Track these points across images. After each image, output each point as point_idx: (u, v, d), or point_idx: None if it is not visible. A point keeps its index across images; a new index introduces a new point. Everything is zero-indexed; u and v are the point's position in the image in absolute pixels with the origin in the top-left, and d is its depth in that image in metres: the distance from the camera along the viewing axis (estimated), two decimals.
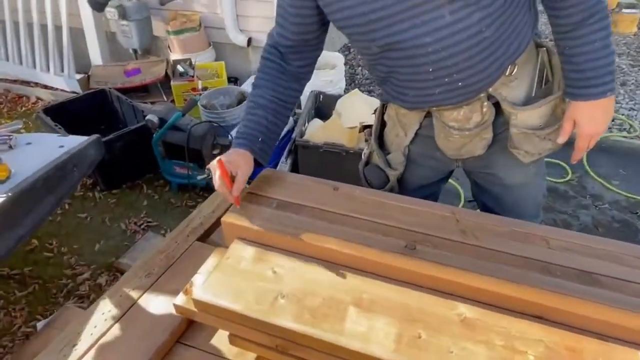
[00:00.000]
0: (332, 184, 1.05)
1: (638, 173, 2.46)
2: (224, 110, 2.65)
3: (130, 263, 1.96)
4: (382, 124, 1.19)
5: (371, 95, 3.42)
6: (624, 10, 4.03)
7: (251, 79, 3.13)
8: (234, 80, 3.39)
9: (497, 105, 0.97)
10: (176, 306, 0.85)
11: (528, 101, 0.97)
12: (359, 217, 0.93)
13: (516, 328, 0.74)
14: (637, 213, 2.24)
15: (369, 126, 2.51)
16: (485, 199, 1.19)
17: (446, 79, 0.91)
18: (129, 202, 2.46)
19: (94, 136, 1.38)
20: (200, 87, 2.88)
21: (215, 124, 2.42)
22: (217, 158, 0.95)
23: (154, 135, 2.32)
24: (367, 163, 1.22)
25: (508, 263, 0.83)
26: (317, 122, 2.55)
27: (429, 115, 1.03)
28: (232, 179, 0.94)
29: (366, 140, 1.23)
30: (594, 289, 0.77)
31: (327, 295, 0.80)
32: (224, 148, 2.39)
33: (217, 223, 1.23)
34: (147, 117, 2.25)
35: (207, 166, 2.46)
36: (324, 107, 2.75)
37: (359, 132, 2.42)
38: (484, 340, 0.72)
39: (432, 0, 0.82)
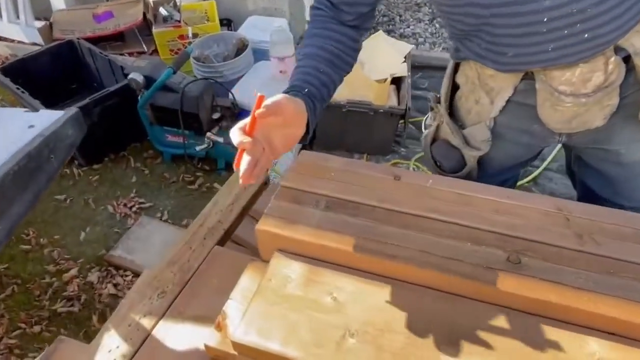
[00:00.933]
0: (391, 170, 0.92)
1: None
2: (221, 62, 2.46)
3: (125, 256, 1.87)
4: (453, 87, 1.03)
5: (399, 38, 3.22)
6: None
7: (250, 22, 2.92)
8: (226, 23, 3.16)
9: (625, 61, 0.81)
10: (208, 347, 0.74)
11: None
12: (436, 218, 0.81)
13: None
14: None
15: (401, 78, 2.37)
16: (590, 180, 1.04)
17: (566, 31, 0.75)
18: (115, 179, 2.34)
19: (72, 110, 1.22)
20: (190, 34, 2.67)
21: (213, 81, 2.25)
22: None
23: (140, 97, 2.16)
24: (434, 139, 1.07)
25: None
26: None
27: (527, 76, 0.87)
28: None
29: (432, 109, 1.08)
30: None
31: (410, 331, 0.69)
32: (226, 110, 2.23)
33: (239, 218, 1.11)
34: (130, 76, 2.07)
35: (208, 134, 2.25)
36: None
37: (389, 85, 2.26)
38: None
39: None
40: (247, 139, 0.67)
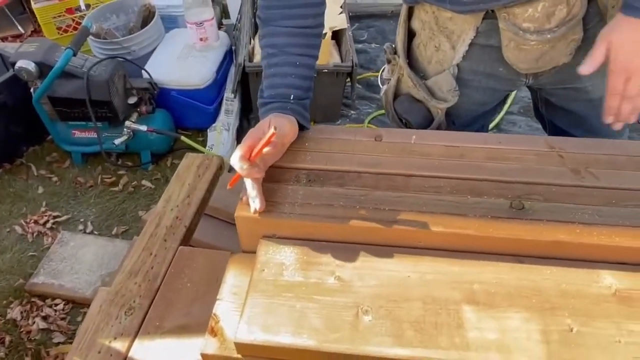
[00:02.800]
0: (371, 131, 0.97)
1: None
2: (126, 36, 2.38)
3: (50, 282, 1.81)
4: (409, 34, 1.09)
5: None
6: None
7: None
8: None
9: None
10: (206, 356, 0.76)
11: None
12: (429, 174, 0.87)
13: None
14: None
15: (341, 30, 2.41)
16: (560, 121, 1.15)
17: None
18: (16, 193, 2.23)
19: None
20: (82, 5, 2.55)
21: (122, 59, 2.18)
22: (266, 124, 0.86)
23: (33, 90, 2.05)
24: (395, 95, 1.12)
25: None
26: None
27: (488, 15, 0.94)
28: None
29: (388, 61, 1.13)
30: None
31: (425, 297, 0.74)
32: (143, 92, 2.18)
33: (199, 211, 1.12)
34: (17, 65, 1.96)
35: (126, 124, 2.22)
36: None
37: (330, 40, 2.29)
38: None
39: None
40: (251, 168, 0.78)
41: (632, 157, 0.89)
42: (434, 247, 0.80)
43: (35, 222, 2.10)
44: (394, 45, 1.13)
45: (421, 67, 1.09)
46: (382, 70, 1.20)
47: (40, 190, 2.24)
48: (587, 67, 0.89)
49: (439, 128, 1.10)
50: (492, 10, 0.93)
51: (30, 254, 1.99)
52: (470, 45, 0.99)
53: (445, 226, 0.79)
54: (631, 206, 0.81)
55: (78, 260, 1.90)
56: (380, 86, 1.19)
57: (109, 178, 2.26)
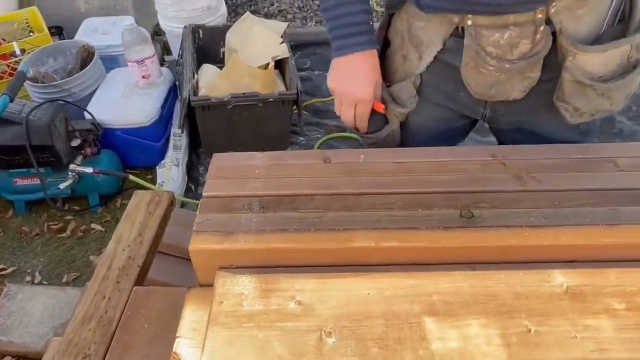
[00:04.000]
0: (320, 154, 0.98)
1: None
2: (65, 79, 2.33)
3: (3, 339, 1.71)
4: (385, 43, 1.12)
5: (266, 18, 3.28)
6: None
7: (87, 26, 2.79)
8: (56, 32, 2.98)
9: (553, 37, 0.93)
10: None
11: (593, 41, 0.95)
12: (380, 192, 0.89)
13: (629, 281, 0.76)
14: None
15: (284, 60, 2.43)
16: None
17: None
18: None
19: None
20: (17, 50, 2.48)
21: (62, 102, 2.12)
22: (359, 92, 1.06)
23: None
24: None
25: (588, 203, 0.85)
26: (209, 69, 2.38)
27: (457, 33, 0.97)
28: None
29: None
30: None
31: (386, 313, 0.74)
32: (86, 133, 2.13)
33: (152, 250, 1.09)
34: None
35: (71, 167, 2.16)
36: (208, 47, 2.58)
37: (273, 70, 2.32)
38: (603, 309, 0.73)
39: None
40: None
41: (570, 159, 0.94)
42: (391, 263, 0.81)
43: None
44: None
45: (387, 76, 1.12)
46: None
47: None
48: None
49: (392, 137, 1.12)
50: (462, 28, 0.96)
51: None
52: (436, 60, 1.02)
53: (398, 241, 0.80)
54: (573, 206, 0.84)
55: (27, 313, 1.80)
56: None
57: (56, 225, 2.18)
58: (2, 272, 2.01)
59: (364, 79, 1.05)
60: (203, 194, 0.89)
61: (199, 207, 0.88)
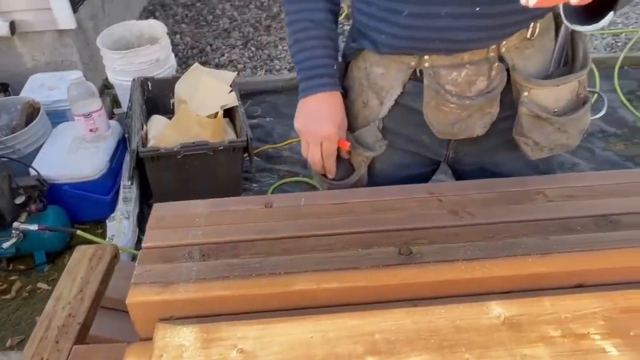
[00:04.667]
0: (261, 199, 0.98)
1: None
2: (9, 136, 2.28)
3: None
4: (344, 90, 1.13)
5: (217, 69, 3.32)
6: None
7: (33, 82, 2.76)
8: (1, 88, 2.94)
9: (507, 74, 0.98)
10: None
11: (546, 76, 1.00)
12: (322, 233, 0.89)
13: (563, 308, 0.77)
14: None
15: (234, 108, 2.46)
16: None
17: None
18: None
19: None
20: None
21: (5, 159, 2.07)
22: (324, 131, 1.06)
23: None
24: None
25: (521, 234, 0.87)
26: (159, 120, 2.38)
27: (415, 77, 1.00)
28: None
29: None
30: (619, 233, 0.86)
31: (329, 356, 0.73)
32: (31, 190, 2.07)
33: (94, 305, 1.05)
34: None
35: (15, 225, 2.09)
36: (158, 98, 2.59)
37: (223, 118, 2.33)
38: (539, 337, 0.74)
39: None
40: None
41: (502, 193, 0.97)
42: (333, 304, 0.80)
43: None
44: None
45: (348, 124, 1.12)
46: None
47: None
48: None
49: (360, 182, 1.13)
50: (420, 72, 0.99)
51: None
52: (396, 104, 1.04)
53: (339, 282, 0.80)
54: (507, 238, 0.87)
55: None
56: None
57: (0, 286, 2.08)
58: None
59: (328, 117, 1.05)
60: (142, 245, 0.88)
61: (137, 258, 0.86)
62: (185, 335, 0.77)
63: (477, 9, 0.90)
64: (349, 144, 1.08)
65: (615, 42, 3.59)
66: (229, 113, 2.44)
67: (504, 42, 0.96)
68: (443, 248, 0.85)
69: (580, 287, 0.82)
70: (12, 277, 2.11)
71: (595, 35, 3.68)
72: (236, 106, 2.38)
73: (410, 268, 0.82)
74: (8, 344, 1.87)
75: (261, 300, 0.80)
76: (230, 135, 2.32)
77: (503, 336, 0.74)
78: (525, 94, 0.98)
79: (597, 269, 0.82)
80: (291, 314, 0.79)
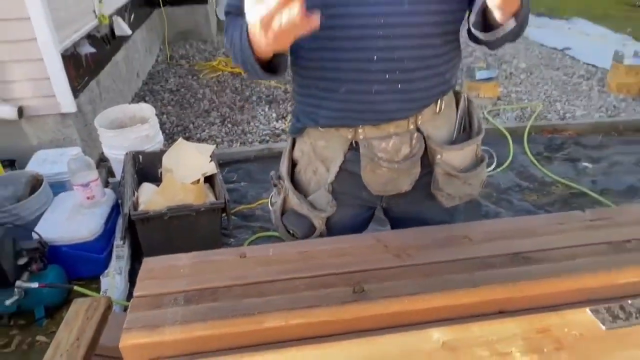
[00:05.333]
0: (236, 251, 0.98)
1: None
2: (14, 204, 2.21)
3: None
4: (293, 163, 1.15)
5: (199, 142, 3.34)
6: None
7: (37, 158, 2.71)
8: (8, 163, 2.87)
9: (424, 142, 1.03)
10: None
11: (453, 142, 1.06)
12: (289, 277, 0.89)
13: (490, 331, 0.79)
14: None
15: (213, 175, 2.47)
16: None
17: (387, 75, 0.93)
18: None
19: None
20: None
21: (10, 225, 2.00)
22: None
23: None
24: (283, 212, 1.15)
25: (451, 271, 0.90)
26: (148, 187, 2.36)
27: (353, 148, 1.04)
28: None
29: (275, 185, 1.16)
30: (531, 268, 0.90)
31: None
32: (33, 252, 1.99)
33: (89, 352, 1.01)
34: None
35: (17, 283, 1.99)
36: (148, 169, 2.57)
37: (204, 184, 2.33)
38: (471, 357, 0.75)
39: None
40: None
41: (434, 238, 1.00)
42: (299, 337, 0.80)
43: None
44: (278, 173, 1.16)
45: (302, 189, 1.13)
46: (271, 195, 1.22)
47: None
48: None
49: (321, 236, 1.13)
50: (356, 142, 1.02)
51: None
52: (340, 170, 1.06)
53: (304, 318, 0.80)
54: (440, 275, 0.89)
55: None
56: (270, 207, 1.20)
57: (1, 340, 1.95)
58: None
59: None
60: (134, 295, 0.87)
61: (129, 307, 0.84)
62: None
63: (399, 86, 0.95)
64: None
65: (523, 114, 3.81)
66: (209, 179, 2.44)
67: (420, 117, 1.01)
68: (389, 285, 0.86)
69: (501, 313, 0.83)
70: (13, 332, 1.98)
71: (506, 109, 3.90)
72: (215, 173, 2.39)
73: (363, 304, 0.82)
74: None
75: (237, 338, 0.79)
76: (210, 198, 2.32)
77: (442, 358, 0.75)
78: (439, 156, 1.03)
79: (514, 297, 0.84)
80: (263, 348, 0.78)
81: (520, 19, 0.86)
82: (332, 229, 1.13)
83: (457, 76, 1.09)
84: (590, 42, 5.30)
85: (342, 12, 0.90)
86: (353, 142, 1.03)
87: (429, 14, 0.91)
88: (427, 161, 1.06)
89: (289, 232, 1.13)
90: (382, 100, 0.96)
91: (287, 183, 1.13)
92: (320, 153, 1.08)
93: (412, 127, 1.01)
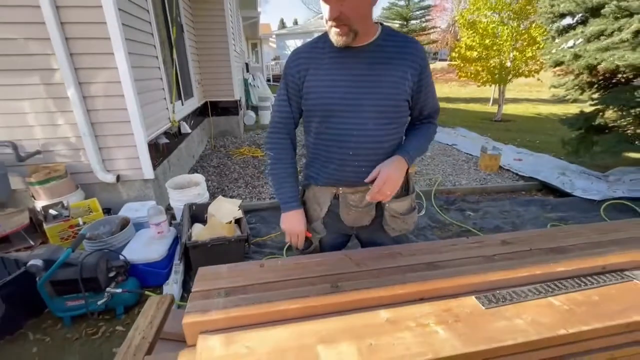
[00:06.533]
0: (256, 263, 0.98)
1: None
2: (110, 237, 2.15)
3: None
4: (303, 203, 1.13)
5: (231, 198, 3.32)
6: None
7: (127, 207, 2.66)
8: (106, 211, 2.80)
9: None
10: None
11: (396, 197, 1.04)
12: (291, 278, 0.90)
13: (415, 311, 0.81)
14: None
15: (240, 218, 2.44)
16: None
17: (356, 163, 0.96)
18: (11, 358, 1.65)
19: None
20: (81, 222, 2.28)
21: (107, 250, 1.93)
22: (296, 229, 1.05)
23: (39, 279, 1.69)
24: None
25: (391, 274, 0.91)
26: (198, 226, 2.32)
27: (335, 197, 1.05)
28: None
29: None
30: (439, 271, 0.92)
31: (297, 346, 0.72)
32: (119, 268, 1.91)
33: (158, 332, 0.97)
34: (29, 264, 1.63)
35: (107, 290, 1.90)
36: (198, 214, 2.54)
37: (234, 224, 2.32)
38: (405, 327, 0.76)
39: (364, 112, 0.92)
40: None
41: (381, 254, 1.01)
42: (299, 317, 0.79)
43: None
44: None
45: (309, 220, 1.11)
46: None
47: (34, 349, 1.69)
48: (368, 178, 0.95)
49: (315, 249, 1.12)
50: (337, 195, 1.04)
51: None
52: (328, 210, 1.07)
53: (301, 303, 0.80)
54: (384, 276, 0.90)
55: None
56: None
57: (92, 330, 1.81)
58: None
59: (298, 223, 1.05)
60: (192, 290, 0.86)
61: (189, 297, 0.83)
62: (216, 341, 0.74)
63: (363, 169, 0.97)
64: (310, 235, 1.09)
65: (430, 182, 3.94)
66: (237, 221, 2.43)
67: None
68: (355, 283, 0.87)
69: (422, 299, 0.85)
70: (100, 324, 1.84)
71: (419, 180, 4.03)
72: (241, 217, 2.38)
73: (338, 295, 0.83)
74: None
75: (259, 317, 0.78)
76: (238, 233, 2.29)
77: (387, 327, 0.76)
78: (387, 205, 1.04)
79: (429, 289, 0.86)
80: (275, 324, 0.78)
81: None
82: (324, 246, 1.13)
83: None
84: (467, 140, 5.62)
85: (332, 127, 0.96)
86: (336, 194, 1.05)
87: (383, 129, 0.95)
88: (380, 207, 1.06)
89: (296, 247, 1.12)
90: (352, 176, 0.99)
91: None
92: (317, 199, 1.08)
93: (371, 186, 1.01)
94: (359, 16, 0.88)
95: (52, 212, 2.33)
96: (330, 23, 0.89)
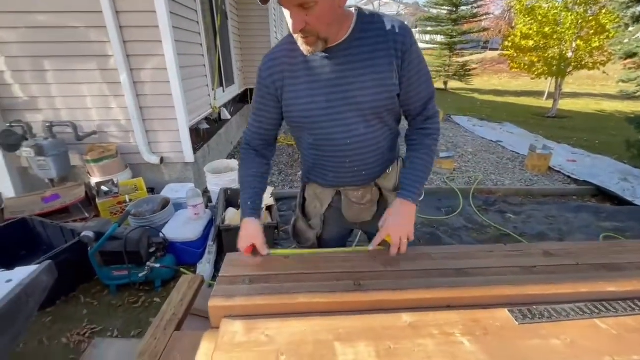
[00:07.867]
0: (282, 255, 0.99)
1: (429, 203, 2.96)
2: (152, 215, 2.31)
3: None
4: (304, 200, 1.16)
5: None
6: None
7: (168, 188, 2.84)
8: (150, 190, 3.01)
9: (380, 191, 1.04)
10: None
11: (395, 189, 1.03)
12: (315, 272, 0.90)
13: (440, 318, 0.77)
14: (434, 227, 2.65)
15: (271, 206, 2.50)
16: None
17: (355, 169, 0.96)
18: (67, 316, 1.86)
19: (46, 263, 1.05)
20: (128, 200, 2.47)
21: (148, 227, 2.08)
22: (244, 239, 0.95)
23: (90, 249, 1.86)
24: (294, 227, 1.18)
25: (417, 277, 0.88)
26: (231, 210, 2.41)
27: (337, 194, 1.05)
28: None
29: (293, 211, 1.20)
30: (470, 279, 0.87)
31: (315, 340, 0.72)
32: (159, 245, 2.06)
33: (188, 309, 1.03)
34: (82, 234, 1.81)
35: (148, 264, 2.01)
36: (232, 199, 2.63)
37: (266, 211, 2.38)
38: (428, 334, 0.74)
39: (351, 118, 0.89)
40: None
41: (407, 256, 0.96)
42: (319, 311, 0.80)
43: (78, 333, 1.73)
44: (295, 204, 1.19)
45: (308, 214, 1.14)
46: (292, 219, 1.23)
47: (85, 312, 1.88)
48: (371, 246, 0.95)
49: (313, 244, 1.13)
50: (339, 191, 1.04)
51: (71, 357, 1.61)
52: (329, 206, 1.08)
53: (324, 298, 0.80)
54: (409, 279, 0.87)
55: (106, 357, 1.56)
56: (291, 224, 1.22)
57: (133, 299, 1.97)
58: (94, 330, 1.77)
59: (255, 230, 0.97)
60: (219, 275, 0.89)
61: (215, 282, 0.86)
62: (238, 326, 0.76)
63: (363, 172, 0.97)
64: (262, 251, 0.96)
65: (470, 181, 3.75)
66: (269, 208, 2.49)
67: (378, 180, 1.00)
68: (378, 282, 0.85)
69: (449, 307, 0.81)
70: (140, 294, 2.00)
71: (458, 177, 3.84)
72: (272, 205, 2.44)
73: (361, 293, 0.82)
74: (132, 334, 1.75)
75: (280, 308, 0.80)
76: (269, 220, 2.35)
77: (408, 332, 0.74)
78: (389, 199, 1.02)
79: (458, 297, 0.82)
80: (296, 316, 0.78)
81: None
82: (322, 241, 1.12)
83: (397, 152, 1.04)
84: (514, 138, 5.24)
85: (322, 139, 0.94)
86: (337, 191, 1.04)
87: (376, 128, 0.92)
88: (382, 200, 1.04)
89: (296, 240, 1.15)
90: (354, 181, 0.99)
91: (298, 211, 1.14)
92: (318, 196, 1.08)
93: (372, 184, 1.01)
94: (326, 24, 0.81)
95: (104, 188, 2.54)
96: (296, 35, 0.83)
